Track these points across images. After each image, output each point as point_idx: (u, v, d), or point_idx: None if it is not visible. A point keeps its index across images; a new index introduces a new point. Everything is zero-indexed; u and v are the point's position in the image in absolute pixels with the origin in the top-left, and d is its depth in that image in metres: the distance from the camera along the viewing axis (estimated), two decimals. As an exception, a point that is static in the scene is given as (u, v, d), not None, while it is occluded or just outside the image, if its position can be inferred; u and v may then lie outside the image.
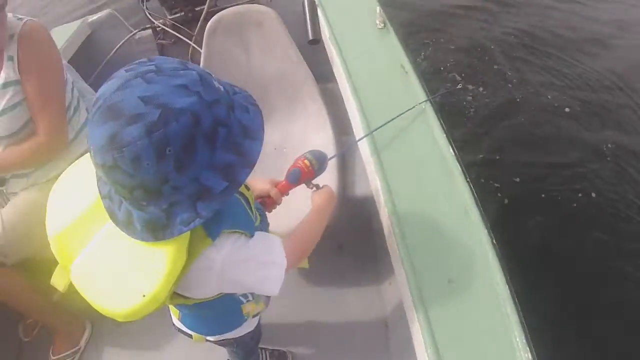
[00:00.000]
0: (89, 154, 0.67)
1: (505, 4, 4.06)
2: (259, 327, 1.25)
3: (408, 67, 1.61)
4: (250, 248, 0.80)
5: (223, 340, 1.11)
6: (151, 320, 1.43)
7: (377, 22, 1.81)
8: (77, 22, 2.62)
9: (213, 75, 0.66)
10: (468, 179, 1.27)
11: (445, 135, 1.37)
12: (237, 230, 0.77)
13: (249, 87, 0.75)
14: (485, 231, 1.13)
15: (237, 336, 1.11)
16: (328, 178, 1.47)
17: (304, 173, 1.05)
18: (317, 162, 1.06)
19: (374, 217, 1.83)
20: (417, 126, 1.42)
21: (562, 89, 3.14)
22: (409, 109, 1.42)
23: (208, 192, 0.65)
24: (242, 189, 0.89)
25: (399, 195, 1.25)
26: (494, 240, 1.12)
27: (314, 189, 1.09)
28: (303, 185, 1.09)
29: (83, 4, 5.25)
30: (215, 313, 0.99)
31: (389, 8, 1.93)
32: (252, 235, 0.81)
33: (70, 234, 0.76)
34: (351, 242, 1.87)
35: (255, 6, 1.93)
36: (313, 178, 1.08)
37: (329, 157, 1.11)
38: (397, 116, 1.39)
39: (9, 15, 1.54)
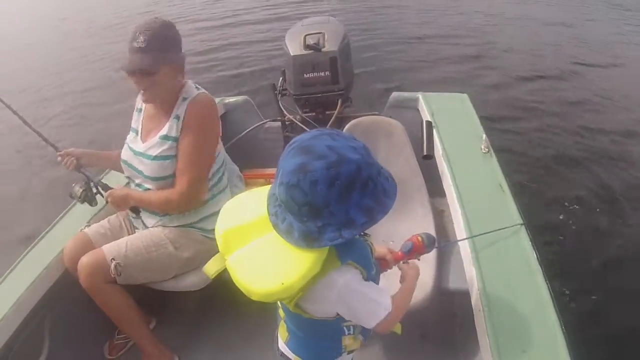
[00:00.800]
0: (259, 189, 1.03)
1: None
2: None
3: (505, 188, 1.87)
4: (365, 285, 1.00)
5: None
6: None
7: (482, 147, 2.11)
8: (216, 100, 3.04)
9: (372, 151, 0.92)
10: (552, 296, 1.43)
11: (535, 255, 1.57)
12: (359, 266, 0.98)
13: None
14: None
15: None
16: (427, 270, 1.72)
17: (416, 246, 1.28)
18: (427, 240, 1.29)
19: (459, 312, 1.99)
20: (511, 242, 1.63)
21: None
22: (506, 227, 1.63)
23: (352, 223, 0.88)
24: (370, 242, 1.10)
25: (489, 293, 1.44)
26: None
27: (419, 260, 1.30)
28: None
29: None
30: (320, 336, 1.13)
31: (492, 136, 2.23)
32: (368, 276, 1.01)
33: (234, 234, 1.01)
34: (434, 333, 1.99)
35: (389, 119, 2.27)
36: (422, 253, 1.28)
37: (436, 243, 1.34)
38: (495, 230, 1.61)
39: (189, 82, 1.82)
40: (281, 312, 1.18)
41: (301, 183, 0.85)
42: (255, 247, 0.97)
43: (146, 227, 1.91)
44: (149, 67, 1.61)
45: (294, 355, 1.20)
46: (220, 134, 1.90)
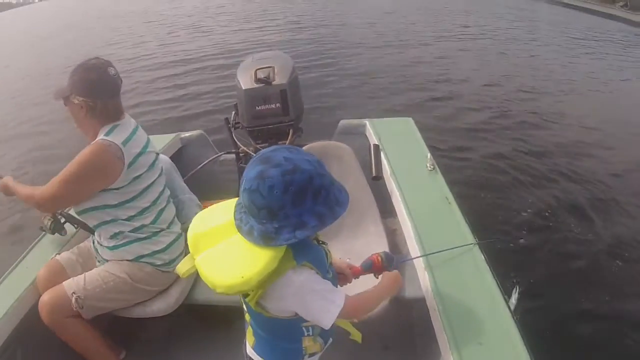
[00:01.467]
0: (227, 201, 1.13)
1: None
2: None
3: (451, 200, 2.01)
4: (321, 283, 1.11)
5: None
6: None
7: (428, 165, 2.26)
8: (172, 135, 3.04)
9: (325, 166, 1.06)
10: (505, 297, 1.53)
11: (491, 274, 1.65)
12: (314, 267, 1.10)
13: None
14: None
15: None
16: None
17: (375, 265, 1.40)
18: (386, 260, 1.41)
19: (417, 321, 2.05)
20: (457, 243, 1.75)
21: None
22: (458, 246, 1.72)
23: (305, 226, 0.99)
24: (326, 249, 1.22)
25: (445, 300, 1.53)
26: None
27: (379, 278, 1.40)
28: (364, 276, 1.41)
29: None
30: (281, 337, 1.22)
31: (437, 154, 2.43)
32: (325, 276, 1.13)
33: (203, 237, 1.12)
34: (395, 343, 2.07)
35: (338, 143, 2.40)
36: (381, 271, 1.39)
37: (394, 262, 1.44)
38: (448, 249, 1.71)
39: (105, 129, 1.78)
40: (247, 317, 1.26)
41: (260, 188, 0.97)
42: (221, 248, 1.07)
43: (104, 259, 1.94)
44: (58, 94, 1.77)
45: (259, 358, 1.28)
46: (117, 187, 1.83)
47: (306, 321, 1.17)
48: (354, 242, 2.13)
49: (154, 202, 1.92)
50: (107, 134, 1.76)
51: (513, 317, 1.43)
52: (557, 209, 3.97)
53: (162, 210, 1.97)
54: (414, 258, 1.79)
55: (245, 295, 1.13)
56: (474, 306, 1.50)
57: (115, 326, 2.04)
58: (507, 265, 3.01)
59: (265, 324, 1.21)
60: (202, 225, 1.14)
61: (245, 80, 2.70)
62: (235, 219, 1.07)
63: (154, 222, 1.92)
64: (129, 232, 1.87)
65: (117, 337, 2.03)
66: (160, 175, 1.98)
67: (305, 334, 1.21)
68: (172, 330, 2.27)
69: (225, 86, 7.33)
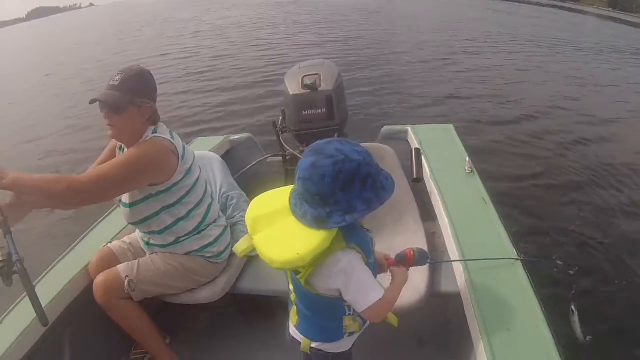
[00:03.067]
0: (282, 188, 1.24)
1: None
2: (351, 357, 1.46)
3: (488, 200, 2.07)
4: (364, 269, 1.19)
5: (322, 351, 1.36)
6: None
7: (466, 168, 2.34)
8: (221, 138, 3.19)
9: (372, 156, 1.13)
10: (536, 290, 1.56)
11: (516, 253, 1.74)
12: (361, 251, 1.18)
13: None
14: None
15: (333, 351, 1.37)
16: (420, 277, 1.89)
17: (408, 258, 1.45)
18: (419, 255, 1.45)
19: (453, 317, 2.10)
20: (492, 241, 1.82)
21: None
22: (496, 258, 1.72)
23: (354, 210, 1.08)
24: (371, 236, 1.30)
25: (480, 298, 1.57)
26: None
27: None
28: None
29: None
30: (324, 315, 1.30)
31: (475, 158, 2.47)
32: (367, 263, 1.20)
33: (260, 219, 1.22)
34: (430, 338, 2.13)
35: (380, 145, 2.52)
36: (412, 265, 1.43)
37: (428, 259, 1.50)
38: (486, 259, 1.72)
39: (152, 127, 1.82)
40: (292, 297, 1.37)
41: (313, 176, 1.07)
42: (277, 228, 1.18)
43: (156, 253, 2.03)
44: (116, 103, 1.71)
45: (302, 336, 1.38)
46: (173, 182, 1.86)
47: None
48: (394, 238, 2.21)
49: (204, 196, 2.01)
50: (154, 132, 1.82)
51: (546, 319, 1.45)
52: (601, 233, 3.80)
53: (210, 204, 2.06)
54: (447, 261, 1.85)
55: (297, 273, 1.21)
56: (509, 308, 1.52)
57: (163, 313, 2.18)
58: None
59: (311, 302, 1.30)
60: (260, 209, 1.25)
61: (292, 87, 2.82)
62: (290, 204, 1.17)
63: (205, 216, 2.01)
64: (183, 235, 1.97)
65: (163, 323, 2.16)
66: (201, 172, 2.03)
67: (347, 313, 1.30)
68: (216, 320, 2.40)
69: (273, 92, 7.62)
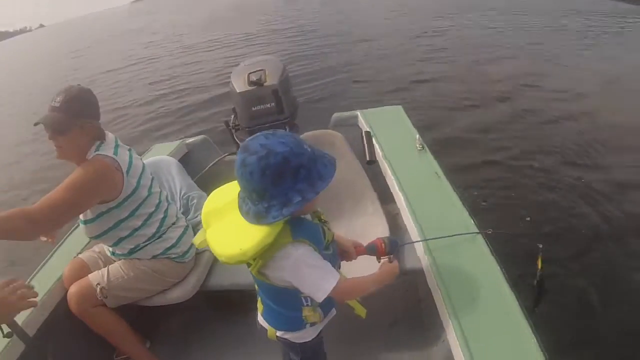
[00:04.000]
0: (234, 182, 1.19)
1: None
2: (321, 349, 1.50)
3: (441, 174, 2.13)
4: (316, 260, 1.18)
5: (288, 340, 1.39)
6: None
7: (417, 145, 2.40)
8: (177, 142, 3.18)
9: (306, 143, 1.11)
10: (496, 257, 1.61)
11: (472, 221, 1.79)
12: (311, 244, 1.17)
13: (325, 191, 1.15)
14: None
15: (298, 341, 1.39)
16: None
17: (379, 250, 1.47)
18: (390, 245, 1.47)
19: (423, 295, 2.12)
20: (449, 213, 1.87)
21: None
22: (458, 234, 1.75)
23: (289, 202, 1.07)
24: (325, 226, 1.29)
25: (442, 273, 1.60)
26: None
27: (380, 262, 1.45)
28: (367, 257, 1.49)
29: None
30: (284, 306, 1.32)
31: (426, 135, 2.54)
32: (321, 253, 1.20)
33: (212, 213, 1.24)
34: (403, 319, 2.18)
35: (329, 131, 2.54)
36: (383, 256, 1.45)
37: (397, 245, 1.51)
38: (448, 236, 1.74)
39: (96, 144, 1.82)
40: (257, 286, 1.39)
41: (244, 174, 1.08)
42: (225, 223, 1.20)
43: (122, 259, 2.05)
44: (58, 125, 1.74)
45: (267, 325, 1.41)
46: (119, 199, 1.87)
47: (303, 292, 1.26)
48: (355, 222, 2.25)
49: (159, 203, 2.03)
50: (97, 150, 1.82)
51: (512, 289, 1.49)
52: (556, 202, 3.84)
53: (167, 209, 2.08)
54: (415, 242, 1.86)
55: (249, 265, 1.23)
56: (472, 277, 1.57)
57: (140, 318, 2.19)
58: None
59: (269, 292, 1.32)
60: (213, 203, 1.27)
61: (239, 84, 2.82)
62: (239, 199, 1.19)
63: (163, 220, 2.04)
64: (143, 242, 1.99)
65: (142, 328, 2.18)
66: (153, 180, 2.04)
67: (305, 304, 1.30)
68: (191, 319, 2.41)
69: (222, 92, 7.56)
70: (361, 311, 1.45)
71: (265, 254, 1.16)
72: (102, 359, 2.18)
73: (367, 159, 2.40)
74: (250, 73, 2.83)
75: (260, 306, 1.43)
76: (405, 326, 2.14)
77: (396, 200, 2.19)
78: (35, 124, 1.75)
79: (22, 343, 1.70)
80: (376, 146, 2.48)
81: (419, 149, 2.38)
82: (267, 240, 1.11)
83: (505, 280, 1.53)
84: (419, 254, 1.85)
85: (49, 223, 1.70)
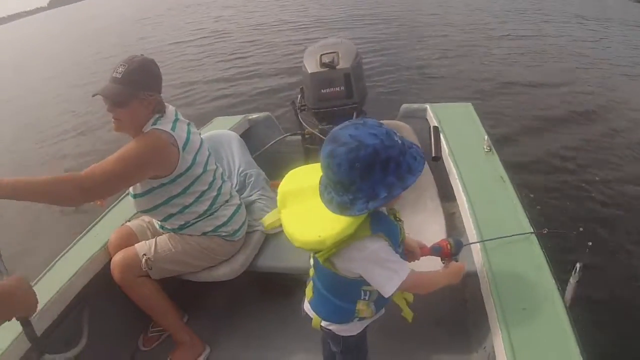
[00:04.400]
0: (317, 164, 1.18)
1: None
2: (364, 344, 1.50)
3: (506, 179, 2.06)
4: (390, 254, 1.18)
5: (332, 331, 1.38)
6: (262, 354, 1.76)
7: (485, 146, 2.32)
8: (240, 117, 3.20)
9: (397, 134, 1.08)
10: (552, 271, 1.55)
11: (538, 243, 1.70)
12: (388, 239, 1.17)
13: None
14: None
15: (343, 334, 1.38)
16: (438, 257, 1.89)
17: (444, 251, 1.46)
18: (455, 247, 1.46)
19: (469, 297, 2.13)
20: (511, 222, 1.79)
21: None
22: (516, 234, 1.72)
23: (376, 197, 1.05)
24: (401, 225, 1.28)
25: (497, 278, 1.56)
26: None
27: (445, 264, 1.46)
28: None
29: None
30: (339, 295, 1.30)
31: (494, 136, 2.46)
32: (395, 250, 1.20)
33: (291, 194, 1.23)
34: (447, 319, 2.15)
35: (397, 122, 2.51)
36: (448, 257, 1.45)
37: (462, 246, 1.50)
38: (507, 236, 1.71)
39: (153, 118, 1.81)
40: (311, 272, 1.38)
41: (331, 165, 1.05)
42: (305, 206, 1.19)
43: (171, 232, 2.06)
44: (118, 97, 1.70)
45: (313, 313, 1.40)
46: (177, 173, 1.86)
47: (367, 285, 1.25)
48: (413, 217, 2.21)
49: (213, 181, 2.01)
50: (154, 124, 1.79)
51: (563, 301, 1.45)
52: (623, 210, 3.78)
53: (220, 187, 2.05)
54: (475, 243, 1.81)
55: (317, 252, 1.21)
56: (525, 283, 1.53)
57: (181, 291, 2.21)
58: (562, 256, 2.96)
59: (328, 280, 1.31)
60: (292, 184, 1.26)
61: (311, 65, 2.81)
62: (320, 185, 1.16)
63: (215, 198, 2.02)
64: (193, 219, 1.98)
65: (181, 301, 2.21)
66: (210, 157, 2.01)
67: (362, 297, 1.29)
68: (233, 297, 2.44)
69: (291, 71, 7.68)
70: (408, 314, 1.44)
71: (340, 244, 1.14)
72: (138, 328, 2.23)
73: (433, 154, 2.34)
74: (323, 54, 2.81)
75: (309, 293, 1.41)
76: (448, 328, 2.11)
77: (457, 200, 2.13)
78: (94, 95, 1.73)
79: (61, 305, 1.79)
80: (443, 142, 2.42)
81: (486, 150, 2.31)
82: (347, 231, 1.10)
83: (557, 287, 1.49)
84: (473, 255, 1.81)
85: (97, 192, 1.70)
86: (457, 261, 1.45)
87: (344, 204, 1.08)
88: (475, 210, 1.92)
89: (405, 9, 15.01)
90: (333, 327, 1.38)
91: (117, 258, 1.90)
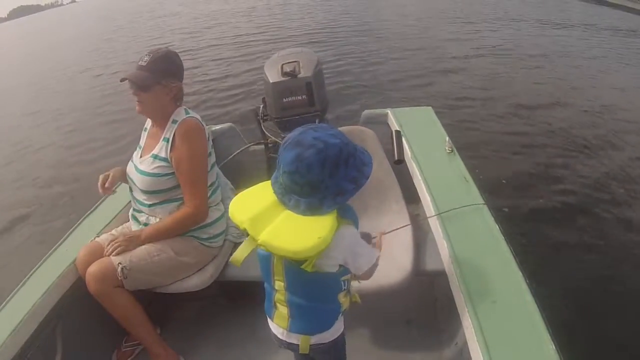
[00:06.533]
0: (258, 185, 1.24)
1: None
2: (344, 345, 1.50)
3: (469, 178, 2.11)
4: (360, 238, 1.27)
5: (321, 345, 1.36)
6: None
7: (446, 147, 2.37)
8: (206, 128, 3.24)
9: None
10: (519, 264, 1.60)
11: (498, 228, 1.77)
12: (353, 224, 1.22)
13: None
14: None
15: (332, 338, 1.38)
16: (405, 257, 1.95)
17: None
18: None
19: (439, 295, 2.18)
20: (476, 221, 1.84)
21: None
22: (469, 205, 1.88)
23: (344, 191, 1.12)
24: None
25: (465, 274, 1.59)
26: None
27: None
28: None
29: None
30: (321, 298, 1.30)
31: (455, 138, 2.50)
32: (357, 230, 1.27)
33: (258, 218, 1.16)
34: (418, 318, 2.18)
35: (361, 127, 2.54)
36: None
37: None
38: (459, 207, 1.86)
39: (182, 107, 2.04)
40: (278, 297, 1.34)
41: (300, 169, 1.09)
42: (282, 221, 1.15)
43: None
44: (142, 82, 1.89)
45: (299, 335, 1.35)
46: (209, 152, 2.11)
47: (345, 274, 1.28)
48: (379, 220, 2.25)
49: (216, 180, 2.15)
50: (187, 114, 2.03)
51: (531, 290, 1.49)
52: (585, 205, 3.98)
53: (217, 188, 2.17)
54: (429, 217, 1.91)
55: (300, 263, 1.16)
56: (492, 279, 1.56)
57: (153, 303, 2.18)
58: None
59: (310, 288, 1.28)
60: (250, 210, 1.19)
61: (272, 74, 2.82)
62: (277, 196, 1.17)
63: (210, 197, 2.09)
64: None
65: (153, 315, 2.15)
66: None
67: (342, 288, 1.31)
68: (205, 309, 2.43)
69: (252, 81, 7.64)
70: (356, 297, 1.45)
71: None
72: (112, 344, 2.19)
73: (396, 158, 2.38)
74: (284, 64, 2.83)
75: (284, 321, 1.36)
76: (420, 326, 2.14)
77: (422, 201, 2.17)
78: (122, 80, 1.90)
79: (33, 324, 1.76)
80: (405, 146, 2.46)
81: (448, 151, 2.36)
82: (335, 224, 1.13)
83: (525, 280, 1.52)
84: (441, 254, 1.84)
85: (205, 205, 2.05)
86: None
87: (313, 204, 1.12)
88: (440, 210, 1.95)
89: (363, 17, 15.25)
90: (324, 338, 1.37)
91: (93, 268, 1.89)
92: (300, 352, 1.37)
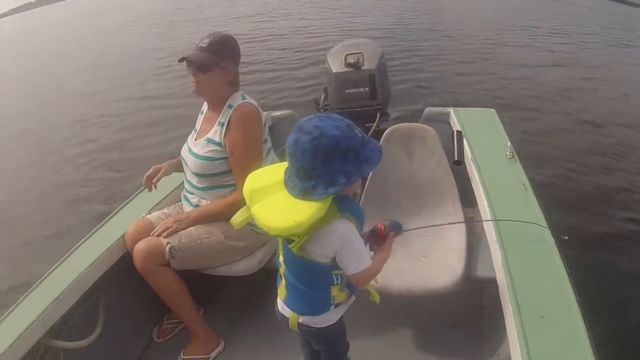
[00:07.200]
0: (276, 164, 1.31)
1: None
2: (343, 336, 1.53)
3: (528, 187, 2.04)
4: (358, 237, 1.25)
5: (311, 327, 1.40)
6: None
7: (507, 153, 2.30)
8: (263, 114, 3.29)
9: (357, 128, 1.16)
10: (572, 282, 1.55)
11: (554, 242, 1.71)
12: (355, 221, 1.23)
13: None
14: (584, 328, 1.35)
15: (322, 325, 1.40)
16: (457, 262, 1.91)
17: (379, 233, 1.44)
18: (389, 227, 1.44)
19: (487, 303, 2.12)
20: (531, 229, 1.78)
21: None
22: (529, 222, 1.77)
23: (335, 182, 1.13)
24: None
25: (516, 286, 1.54)
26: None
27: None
28: None
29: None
30: (313, 285, 1.34)
31: (516, 144, 2.42)
32: (360, 231, 1.27)
33: (257, 192, 1.26)
34: (463, 324, 2.13)
35: (423, 125, 2.46)
36: (383, 239, 1.43)
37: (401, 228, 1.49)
38: (517, 220, 1.77)
39: (239, 93, 2.04)
40: (282, 269, 1.42)
41: (296, 152, 1.13)
42: (274, 199, 1.23)
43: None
44: (201, 62, 1.90)
45: (290, 312, 1.42)
46: (264, 139, 2.10)
47: (338, 269, 1.30)
48: (434, 221, 2.20)
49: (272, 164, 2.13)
50: (243, 99, 2.03)
51: (580, 307, 1.44)
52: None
53: None
54: (484, 221, 1.85)
55: (289, 242, 1.26)
56: (543, 291, 1.52)
57: (198, 284, 2.19)
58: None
59: (301, 271, 1.35)
60: (256, 183, 1.31)
61: (335, 65, 2.84)
62: (285, 176, 1.23)
63: None
64: None
65: (198, 295, 2.19)
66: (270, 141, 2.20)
67: (335, 282, 1.34)
68: (249, 293, 2.45)
69: (316, 70, 7.67)
70: (376, 297, 1.48)
71: (312, 229, 1.19)
72: (153, 320, 2.24)
73: (455, 158, 2.33)
74: (348, 54, 2.83)
75: (283, 292, 1.46)
76: (466, 332, 2.10)
77: (479, 205, 2.12)
78: (180, 60, 1.92)
79: (77, 293, 1.81)
80: (465, 147, 2.42)
81: (509, 157, 2.29)
82: (319, 213, 1.15)
83: (575, 296, 1.48)
84: (492, 261, 1.80)
85: None
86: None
87: (306, 189, 1.15)
88: (495, 215, 1.90)
89: (432, 16, 14.94)
90: (312, 322, 1.41)
91: (141, 245, 1.90)
92: (289, 326, 1.44)
